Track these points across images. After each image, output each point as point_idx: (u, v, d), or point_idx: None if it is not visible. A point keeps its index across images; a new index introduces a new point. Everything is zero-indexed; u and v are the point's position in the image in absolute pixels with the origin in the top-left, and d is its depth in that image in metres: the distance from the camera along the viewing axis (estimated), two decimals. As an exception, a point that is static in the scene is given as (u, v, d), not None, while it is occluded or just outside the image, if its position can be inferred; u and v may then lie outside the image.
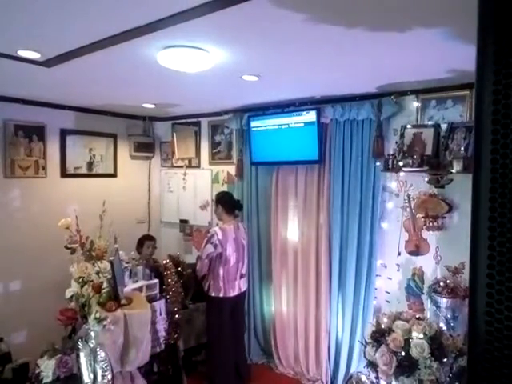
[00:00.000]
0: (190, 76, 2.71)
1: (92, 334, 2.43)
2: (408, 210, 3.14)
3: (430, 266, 3.11)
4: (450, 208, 2.95)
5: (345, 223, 3.49)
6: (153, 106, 4.16)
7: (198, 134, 4.68)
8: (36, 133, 3.91)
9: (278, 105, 3.83)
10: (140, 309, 2.71)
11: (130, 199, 4.72)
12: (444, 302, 2.78)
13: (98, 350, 2.33)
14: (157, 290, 3.22)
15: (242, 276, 3.61)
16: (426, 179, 2.99)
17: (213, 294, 3.49)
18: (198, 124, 4.67)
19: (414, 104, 3.14)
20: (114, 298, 2.64)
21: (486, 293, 0.69)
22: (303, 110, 3.62)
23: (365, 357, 2.66)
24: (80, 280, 2.74)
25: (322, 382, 3.68)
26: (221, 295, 3.47)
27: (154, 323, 2.97)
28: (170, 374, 3.43)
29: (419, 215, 3.07)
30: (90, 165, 4.41)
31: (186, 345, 3.75)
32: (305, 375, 3.82)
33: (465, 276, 2.85)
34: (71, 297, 2.78)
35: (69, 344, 2.52)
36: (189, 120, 4.71)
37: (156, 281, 3.24)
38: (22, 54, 2.35)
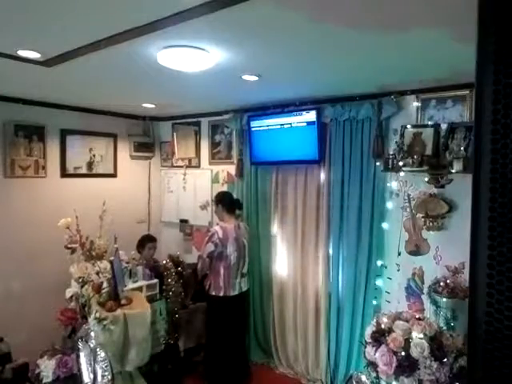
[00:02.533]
0: (190, 76, 2.71)
1: (92, 334, 2.44)
2: (408, 209, 3.14)
3: (429, 266, 3.11)
4: (450, 208, 2.95)
5: (344, 223, 3.49)
6: (153, 105, 4.16)
7: (198, 133, 4.68)
8: (36, 133, 3.91)
9: (278, 105, 3.83)
10: (140, 309, 2.71)
11: (129, 199, 4.72)
12: (444, 301, 2.78)
13: (97, 350, 2.34)
14: (157, 290, 3.22)
15: (242, 275, 3.61)
16: (426, 179, 2.99)
17: (213, 293, 3.49)
18: (198, 124, 4.67)
19: (414, 104, 3.14)
20: (114, 298, 2.65)
21: (486, 293, 0.69)
22: (303, 110, 3.62)
23: (365, 357, 2.65)
24: (80, 280, 2.75)
25: (321, 381, 3.68)
26: (221, 294, 3.47)
27: (153, 323, 2.97)
28: (170, 374, 3.43)
29: (419, 215, 3.07)
30: (90, 165, 4.41)
31: (185, 345, 3.75)
32: (305, 375, 3.82)
33: (465, 276, 2.85)
34: (71, 297, 2.79)
35: (69, 344, 2.53)
36: (189, 120, 4.71)
37: (156, 281, 3.24)
38: (22, 53, 2.35)
